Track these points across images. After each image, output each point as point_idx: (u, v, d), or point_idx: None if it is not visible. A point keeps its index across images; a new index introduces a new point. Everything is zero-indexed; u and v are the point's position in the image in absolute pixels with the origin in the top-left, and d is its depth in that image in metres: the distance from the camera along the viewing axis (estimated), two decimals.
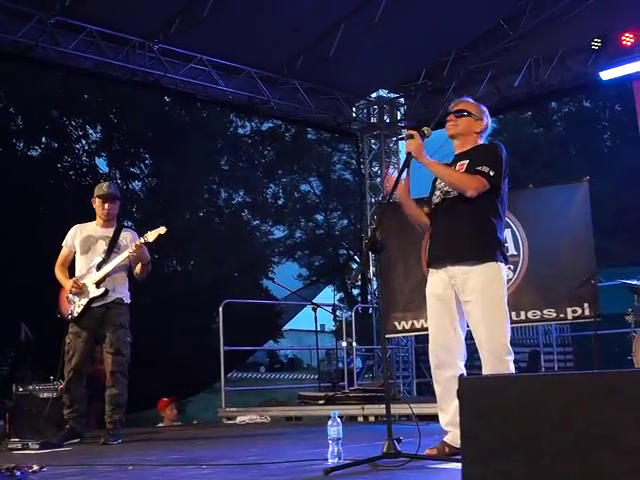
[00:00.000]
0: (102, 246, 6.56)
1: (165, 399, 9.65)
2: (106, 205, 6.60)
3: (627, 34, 9.74)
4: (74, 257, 6.66)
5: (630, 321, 7.85)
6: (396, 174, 4.43)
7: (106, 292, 6.45)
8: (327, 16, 10.07)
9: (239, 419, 8.88)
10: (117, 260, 6.46)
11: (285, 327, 23.45)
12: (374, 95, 13.14)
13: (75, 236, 6.66)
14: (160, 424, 9.53)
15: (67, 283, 6.53)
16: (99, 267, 6.48)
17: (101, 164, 18.65)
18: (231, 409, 9.27)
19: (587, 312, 8.59)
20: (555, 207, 9.13)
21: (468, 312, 4.35)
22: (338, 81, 11.58)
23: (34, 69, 12.26)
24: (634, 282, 7.92)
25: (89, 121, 18.11)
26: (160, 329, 13.86)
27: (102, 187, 6.67)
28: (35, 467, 4.25)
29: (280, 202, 25.07)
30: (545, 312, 8.89)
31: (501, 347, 4.28)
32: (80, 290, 6.47)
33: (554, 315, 8.90)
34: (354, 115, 12.81)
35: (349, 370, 10.98)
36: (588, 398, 2.16)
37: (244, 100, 11.31)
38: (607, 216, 16.80)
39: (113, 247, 6.55)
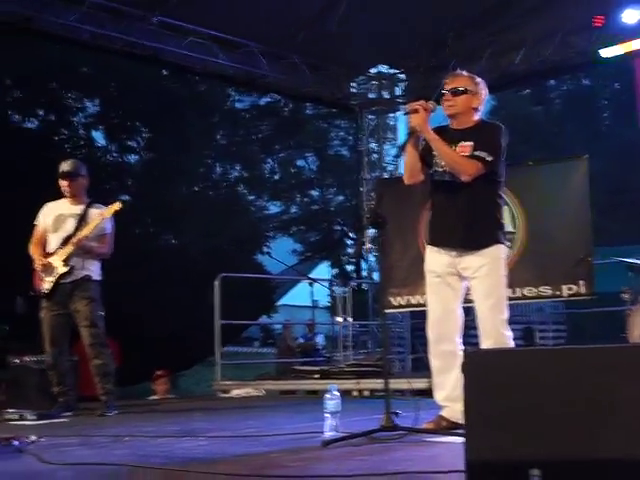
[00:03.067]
0: (72, 224, 6.59)
1: (159, 372, 9.68)
2: (65, 183, 6.62)
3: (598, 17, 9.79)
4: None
5: (626, 298, 7.87)
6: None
7: (71, 269, 6.48)
8: None
9: (234, 392, 8.90)
10: (76, 239, 6.46)
11: (278, 302, 23.46)
12: (373, 70, 13.08)
13: (47, 214, 6.72)
14: (153, 396, 9.56)
15: (35, 260, 6.58)
16: (65, 244, 6.50)
17: (98, 137, 18.56)
18: (226, 382, 9.29)
19: (583, 290, 8.58)
20: (553, 185, 9.10)
21: (473, 288, 4.43)
22: (338, 56, 11.50)
23: (32, 41, 12.13)
24: (631, 260, 7.93)
25: (87, 94, 17.98)
26: (156, 302, 13.88)
27: (62, 165, 6.70)
28: (33, 437, 4.27)
29: (276, 177, 24.99)
30: (541, 289, 8.88)
31: (502, 322, 4.38)
32: (47, 268, 6.50)
33: (550, 292, 8.90)
34: (353, 90, 12.75)
35: (344, 345, 11.02)
36: (590, 371, 2.18)
37: (243, 74, 11.25)
38: (603, 194, 16.78)
39: (82, 224, 6.56)
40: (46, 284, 6.52)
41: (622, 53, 10.10)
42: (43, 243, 6.68)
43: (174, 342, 13.98)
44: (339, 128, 24.93)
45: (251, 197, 23.84)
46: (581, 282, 8.58)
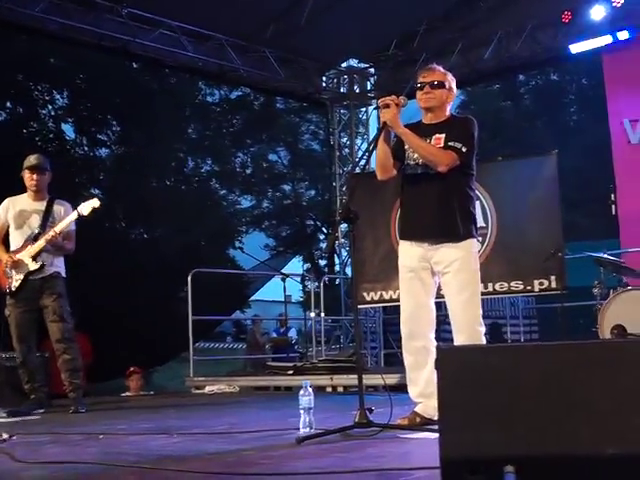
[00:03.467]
0: (36, 220, 6.55)
1: (132, 369, 9.63)
2: (34, 176, 6.56)
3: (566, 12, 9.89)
4: (8, 231, 6.64)
5: (596, 293, 7.94)
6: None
7: (42, 266, 6.46)
8: None
9: (208, 389, 8.88)
10: (49, 236, 6.43)
11: (251, 297, 23.42)
12: (344, 65, 13.09)
13: (8, 210, 6.64)
14: (126, 393, 9.52)
15: (3, 257, 6.51)
16: (35, 240, 6.45)
17: (68, 130, 18.38)
18: (199, 378, 9.27)
19: (554, 284, 8.66)
20: (523, 180, 9.17)
21: (445, 283, 4.42)
22: (308, 50, 11.51)
23: None
24: (600, 254, 8.00)
25: (56, 86, 17.80)
26: (127, 298, 13.79)
27: (30, 159, 6.64)
28: (4, 435, 4.24)
29: (248, 171, 24.93)
30: (512, 284, 8.95)
31: (475, 317, 4.37)
32: (16, 264, 6.45)
33: (521, 287, 8.97)
34: (324, 85, 12.76)
35: (317, 340, 11.02)
36: (563, 367, 2.19)
37: (214, 67, 11.21)
38: (572, 189, 16.92)
39: (47, 220, 6.53)
40: (14, 281, 6.47)
41: (591, 49, 10.19)
42: (2, 238, 6.62)
43: (147, 338, 13.93)
44: (310, 122, 24.95)
45: (223, 191, 23.79)
46: (552, 277, 8.65)
